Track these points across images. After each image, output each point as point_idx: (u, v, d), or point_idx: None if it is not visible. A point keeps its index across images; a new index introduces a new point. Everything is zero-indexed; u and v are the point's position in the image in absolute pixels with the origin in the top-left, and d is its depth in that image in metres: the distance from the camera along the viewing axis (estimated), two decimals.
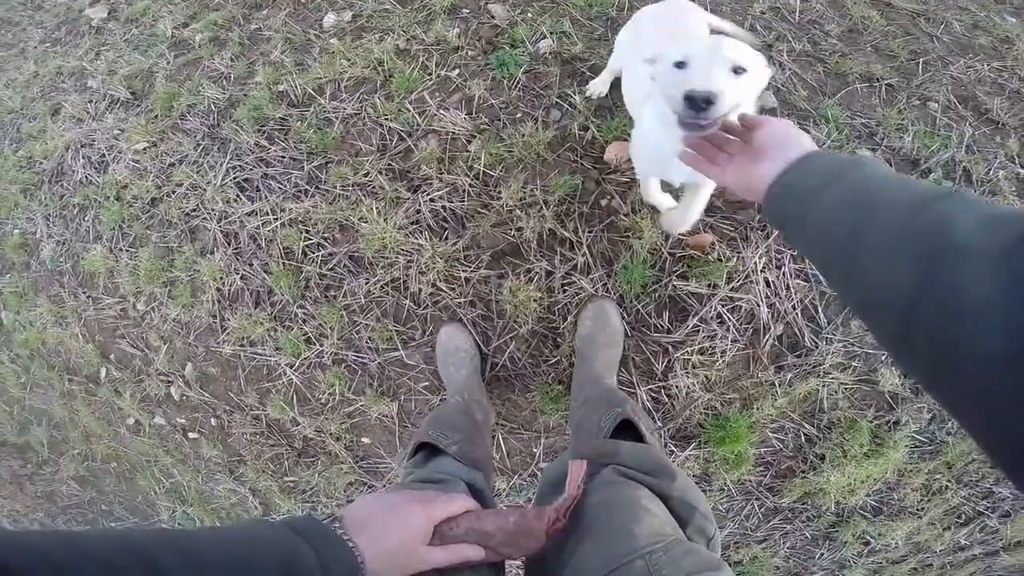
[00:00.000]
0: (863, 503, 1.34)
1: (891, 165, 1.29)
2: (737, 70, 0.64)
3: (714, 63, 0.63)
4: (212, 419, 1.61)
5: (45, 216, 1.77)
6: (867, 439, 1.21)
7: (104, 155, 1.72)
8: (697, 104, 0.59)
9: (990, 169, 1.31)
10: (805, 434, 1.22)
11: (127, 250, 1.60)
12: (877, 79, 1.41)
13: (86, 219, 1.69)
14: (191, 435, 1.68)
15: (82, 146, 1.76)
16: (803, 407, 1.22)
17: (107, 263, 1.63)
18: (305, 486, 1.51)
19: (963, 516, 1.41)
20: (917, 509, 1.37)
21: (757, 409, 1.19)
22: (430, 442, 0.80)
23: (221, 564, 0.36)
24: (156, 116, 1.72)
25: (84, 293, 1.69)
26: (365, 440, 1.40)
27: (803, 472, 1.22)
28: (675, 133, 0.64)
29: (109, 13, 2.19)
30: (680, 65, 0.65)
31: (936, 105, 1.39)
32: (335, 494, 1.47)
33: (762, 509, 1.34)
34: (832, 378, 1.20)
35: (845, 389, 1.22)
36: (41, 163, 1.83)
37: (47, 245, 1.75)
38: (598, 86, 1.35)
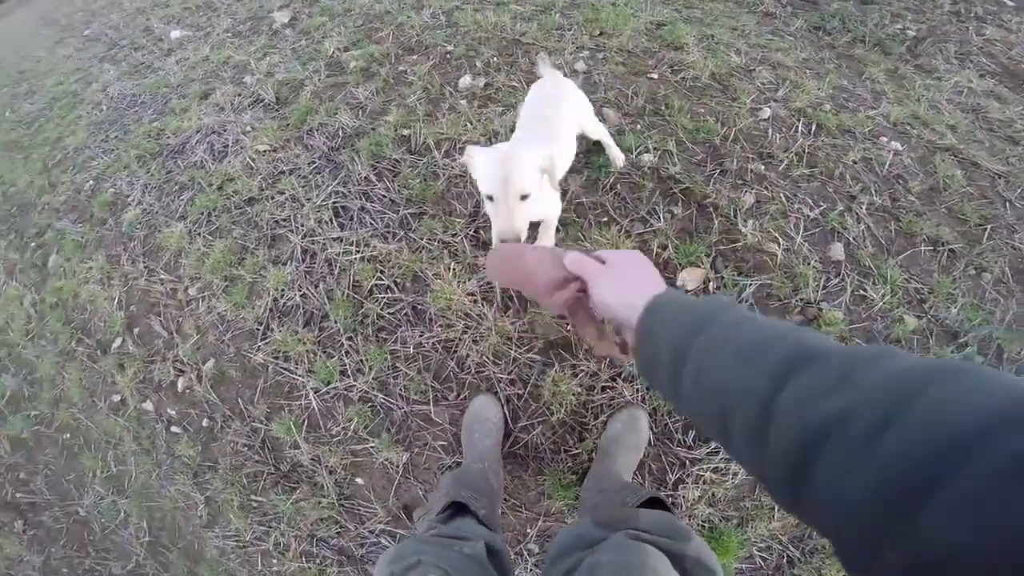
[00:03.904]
0: None
1: (931, 336, 1.32)
2: (523, 197, 0.86)
3: (511, 204, 0.86)
4: (205, 419, 1.52)
5: (145, 185, 1.88)
6: None
7: (227, 146, 1.85)
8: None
9: (1022, 350, 1.31)
10: (788, 556, 1.21)
11: (205, 236, 1.66)
12: (943, 243, 1.45)
13: (181, 197, 1.78)
14: (174, 428, 1.57)
15: (212, 132, 1.91)
16: (794, 532, 1.21)
17: (180, 243, 1.68)
18: (270, 509, 1.39)
19: None
20: None
21: (751, 528, 1.20)
22: (462, 502, 0.83)
23: None
24: (288, 124, 1.86)
25: (143, 263, 1.72)
26: (359, 481, 1.33)
27: None
28: None
29: (290, 20, 2.44)
30: (489, 198, 0.87)
31: (990, 276, 1.41)
32: (300, 525, 1.35)
33: None
34: None
35: None
36: (169, 138, 1.97)
37: (132, 210, 1.83)
38: None
